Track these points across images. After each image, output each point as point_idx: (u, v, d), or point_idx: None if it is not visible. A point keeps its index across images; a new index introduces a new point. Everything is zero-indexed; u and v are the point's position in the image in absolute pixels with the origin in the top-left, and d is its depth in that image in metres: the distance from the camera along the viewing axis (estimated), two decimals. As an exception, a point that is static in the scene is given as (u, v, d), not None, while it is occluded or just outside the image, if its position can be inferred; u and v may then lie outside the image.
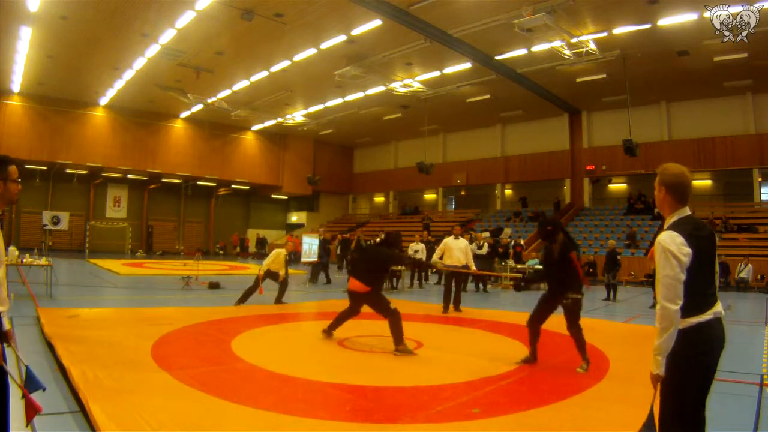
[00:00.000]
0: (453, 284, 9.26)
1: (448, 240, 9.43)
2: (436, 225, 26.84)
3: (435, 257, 9.66)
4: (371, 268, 6.03)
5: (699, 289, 2.31)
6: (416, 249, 15.78)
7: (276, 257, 9.60)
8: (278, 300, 9.52)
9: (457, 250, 9.22)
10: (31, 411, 2.30)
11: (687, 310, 2.26)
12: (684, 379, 2.27)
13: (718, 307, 2.36)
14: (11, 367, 2.40)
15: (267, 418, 3.46)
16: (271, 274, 9.53)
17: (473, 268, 9.76)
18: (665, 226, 2.42)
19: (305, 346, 6.16)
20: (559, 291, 5.14)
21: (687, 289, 2.25)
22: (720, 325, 2.34)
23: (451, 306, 9.20)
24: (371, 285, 5.91)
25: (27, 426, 2.55)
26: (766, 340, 7.39)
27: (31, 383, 2.37)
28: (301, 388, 4.22)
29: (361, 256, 6.36)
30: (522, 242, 18.22)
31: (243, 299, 9.23)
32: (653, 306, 10.62)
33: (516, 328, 6.95)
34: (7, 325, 2.38)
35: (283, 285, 9.64)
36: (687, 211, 2.42)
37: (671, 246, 2.25)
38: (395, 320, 5.66)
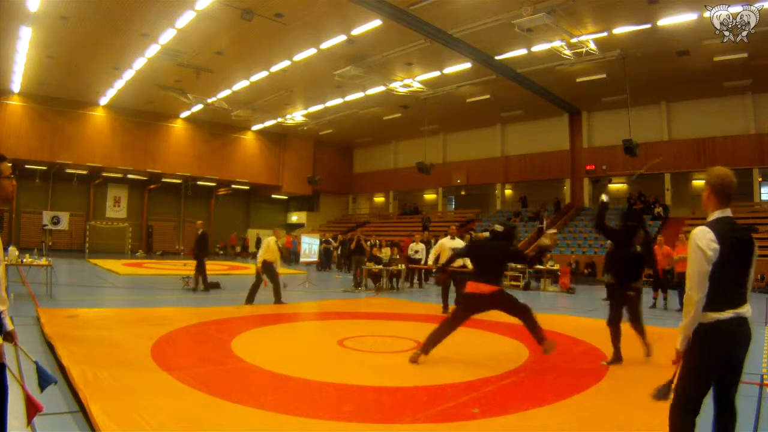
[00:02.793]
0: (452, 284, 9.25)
1: (444, 240, 9.42)
2: (436, 225, 26.81)
3: (431, 258, 9.63)
4: (494, 266, 5.55)
5: (723, 286, 2.46)
6: (416, 249, 15.76)
7: (267, 247, 9.51)
8: (277, 300, 9.51)
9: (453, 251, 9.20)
10: (32, 410, 2.31)
11: (708, 304, 2.45)
12: (695, 367, 2.49)
13: (743, 309, 2.50)
14: (11, 365, 2.40)
15: (267, 418, 3.46)
16: (267, 265, 9.40)
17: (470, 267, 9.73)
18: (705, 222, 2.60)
19: (305, 346, 6.16)
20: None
21: (711, 282, 2.44)
22: (740, 326, 2.48)
23: (451, 306, 9.19)
24: (498, 284, 5.46)
25: (27, 425, 2.54)
26: (766, 340, 7.38)
27: (42, 378, 2.37)
28: (301, 388, 4.22)
29: (477, 255, 5.76)
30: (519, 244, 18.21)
31: (250, 298, 9.23)
32: (653, 306, 10.63)
33: (516, 327, 6.94)
34: (10, 326, 2.38)
35: (276, 285, 9.50)
36: (728, 212, 2.59)
37: (701, 241, 2.48)
38: (529, 316, 5.32)
